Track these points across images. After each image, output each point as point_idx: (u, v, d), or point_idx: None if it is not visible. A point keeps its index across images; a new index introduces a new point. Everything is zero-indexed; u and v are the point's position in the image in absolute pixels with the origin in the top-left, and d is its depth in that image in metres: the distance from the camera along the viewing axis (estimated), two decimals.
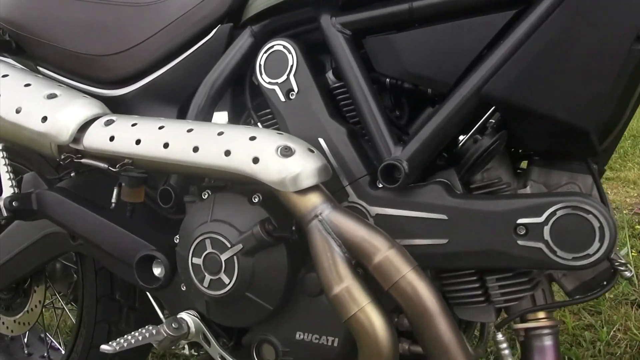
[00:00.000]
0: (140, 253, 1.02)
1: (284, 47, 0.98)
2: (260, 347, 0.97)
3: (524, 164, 1.00)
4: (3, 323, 1.50)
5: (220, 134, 0.90)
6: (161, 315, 1.08)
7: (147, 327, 0.94)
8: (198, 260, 0.92)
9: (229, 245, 0.89)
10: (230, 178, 0.91)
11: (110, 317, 1.31)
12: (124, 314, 1.32)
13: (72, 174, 1.23)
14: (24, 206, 1.08)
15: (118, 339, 0.90)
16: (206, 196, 0.96)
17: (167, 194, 1.03)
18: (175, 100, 1.11)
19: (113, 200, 1.10)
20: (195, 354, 1.01)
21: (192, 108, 1.03)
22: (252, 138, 0.88)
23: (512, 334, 0.93)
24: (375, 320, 0.80)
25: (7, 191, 1.07)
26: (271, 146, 0.86)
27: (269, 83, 0.99)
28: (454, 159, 0.93)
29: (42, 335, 1.64)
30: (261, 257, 0.89)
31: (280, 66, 0.98)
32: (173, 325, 0.96)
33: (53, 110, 1.05)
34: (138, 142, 0.96)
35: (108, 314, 1.31)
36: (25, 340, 1.60)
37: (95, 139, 1.01)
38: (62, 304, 1.47)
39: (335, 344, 0.90)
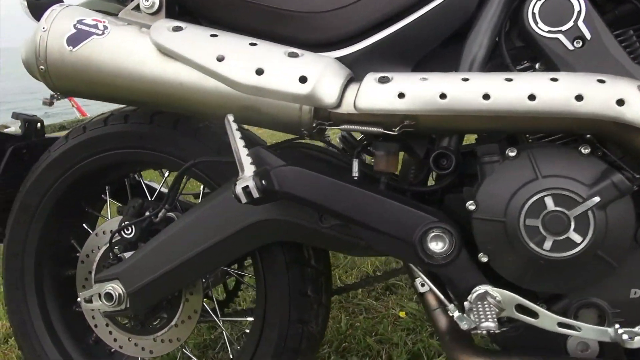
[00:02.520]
0: (423, 227, 0.90)
1: None
2: (577, 312, 0.90)
3: None
4: (136, 344, 1.26)
5: (554, 79, 0.82)
6: (442, 297, 0.96)
7: (485, 305, 0.83)
8: (534, 222, 0.83)
9: (580, 201, 0.81)
10: (559, 127, 0.84)
11: (303, 316, 1.15)
12: (314, 311, 1.17)
13: None
14: (270, 185, 0.91)
15: (486, 316, 0.78)
16: (514, 153, 0.87)
17: (445, 158, 0.93)
18: (408, 61, 1.00)
19: (355, 172, 0.97)
20: (497, 331, 0.91)
21: (464, 65, 0.93)
22: (601, 81, 0.81)
23: None
24: None
25: (249, 169, 0.89)
26: (632, 87, 0.80)
27: (549, 32, 0.92)
28: None
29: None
30: (613, 210, 0.82)
31: (563, 12, 0.91)
32: (497, 298, 0.86)
33: (310, 70, 0.90)
34: (443, 96, 0.85)
35: (302, 312, 1.14)
36: None
37: (376, 99, 0.88)
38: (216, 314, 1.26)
39: None
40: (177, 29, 0.97)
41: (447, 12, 0.97)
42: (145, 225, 1.15)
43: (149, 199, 1.23)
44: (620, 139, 0.83)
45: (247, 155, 0.90)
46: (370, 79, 0.89)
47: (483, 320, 0.78)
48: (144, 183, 1.31)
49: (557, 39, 0.92)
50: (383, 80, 0.88)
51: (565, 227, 0.82)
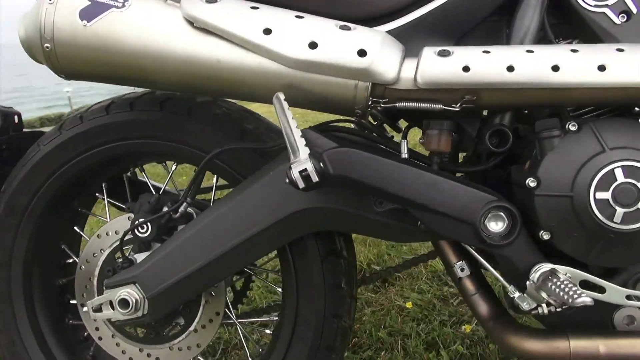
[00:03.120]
0: (485, 207, 0.87)
1: None
2: (635, 285, 0.90)
3: None
4: (149, 355, 1.15)
5: (620, 50, 0.82)
6: (501, 279, 0.92)
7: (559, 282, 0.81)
8: (604, 195, 0.82)
9: None
10: (625, 98, 0.83)
11: (338, 311, 1.08)
12: (347, 305, 1.11)
13: None
14: (325, 168, 0.84)
15: (568, 290, 0.76)
16: (575, 127, 0.86)
17: (501, 135, 0.90)
18: (452, 36, 0.97)
19: (405, 153, 0.93)
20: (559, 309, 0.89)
21: (515, 40, 0.90)
22: None
23: None
24: None
25: (304, 151, 0.82)
26: None
27: (596, 6, 0.92)
28: None
29: None
30: None
31: None
32: (567, 274, 0.84)
33: (368, 43, 0.84)
34: (510, 69, 0.82)
35: (336, 307, 1.08)
36: None
37: (440, 72, 0.83)
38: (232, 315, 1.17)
39: None
40: (211, 0, 0.88)
41: None
42: (163, 222, 1.04)
43: (155, 194, 1.11)
44: None
45: (300, 136, 0.83)
46: (430, 53, 0.85)
47: (575, 296, 0.76)
48: (147, 178, 1.20)
49: (604, 13, 0.92)
50: (444, 54, 0.84)
51: (636, 198, 0.82)
